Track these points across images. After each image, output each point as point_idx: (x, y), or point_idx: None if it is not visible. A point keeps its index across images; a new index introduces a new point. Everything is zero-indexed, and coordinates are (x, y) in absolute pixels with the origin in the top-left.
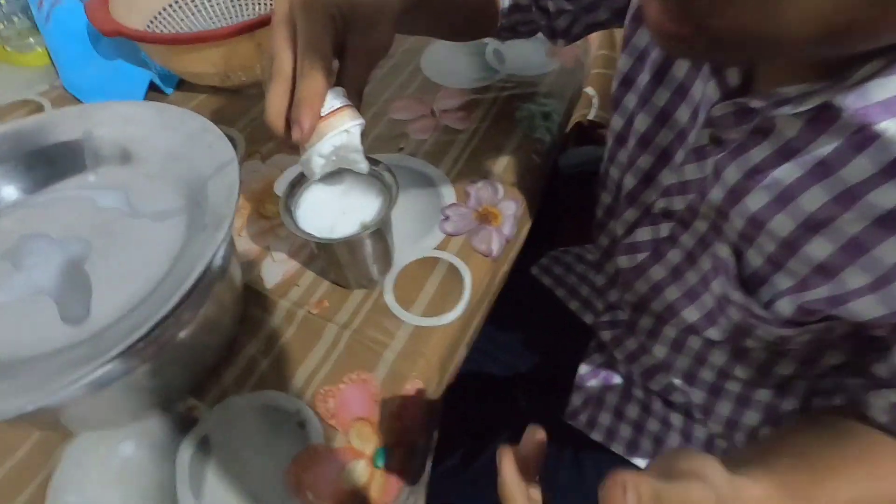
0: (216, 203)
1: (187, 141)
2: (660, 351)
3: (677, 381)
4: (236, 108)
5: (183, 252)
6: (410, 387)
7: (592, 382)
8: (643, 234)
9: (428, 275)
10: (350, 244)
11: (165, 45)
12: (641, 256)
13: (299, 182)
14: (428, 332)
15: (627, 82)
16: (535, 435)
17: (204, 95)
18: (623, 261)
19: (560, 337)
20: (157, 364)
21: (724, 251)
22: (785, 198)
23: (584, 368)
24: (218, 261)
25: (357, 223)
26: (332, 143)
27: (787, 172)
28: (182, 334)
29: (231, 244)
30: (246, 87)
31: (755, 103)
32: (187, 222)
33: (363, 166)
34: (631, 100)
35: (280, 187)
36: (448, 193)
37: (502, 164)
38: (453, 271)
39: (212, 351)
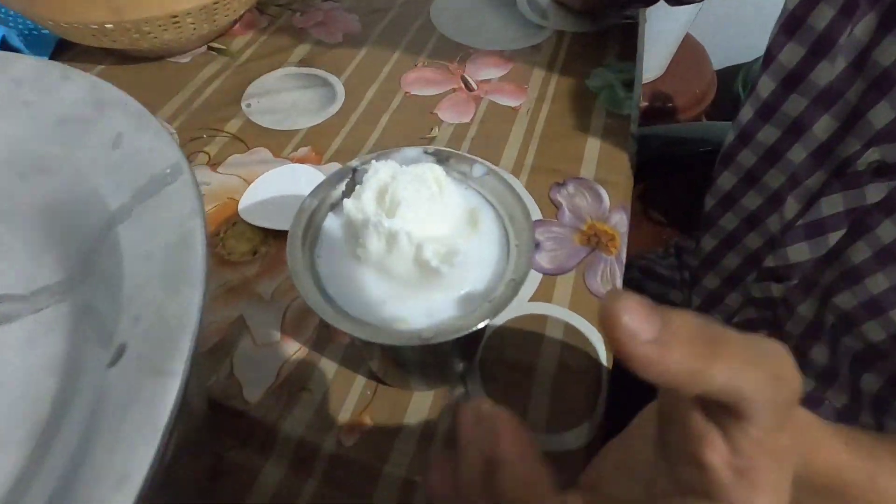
0: (144, 265)
1: (57, 131)
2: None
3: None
4: (158, 85)
5: (72, 385)
6: None
7: None
8: (832, 204)
9: (535, 348)
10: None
11: None
12: (835, 237)
13: (321, 210)
14: (553, 460)
15: None
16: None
17: (101, 67)
18: (800, 251)
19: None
20: None
21: None
22: None
23: None
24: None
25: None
26: None
27: None
28: None
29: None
30: (172, 51)
31: None
32: (70, 316)
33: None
34: (826, 10)
35: (247, 206)
36: (527, 203)
37: (591, 155)
38: (576, 337)
39: None
